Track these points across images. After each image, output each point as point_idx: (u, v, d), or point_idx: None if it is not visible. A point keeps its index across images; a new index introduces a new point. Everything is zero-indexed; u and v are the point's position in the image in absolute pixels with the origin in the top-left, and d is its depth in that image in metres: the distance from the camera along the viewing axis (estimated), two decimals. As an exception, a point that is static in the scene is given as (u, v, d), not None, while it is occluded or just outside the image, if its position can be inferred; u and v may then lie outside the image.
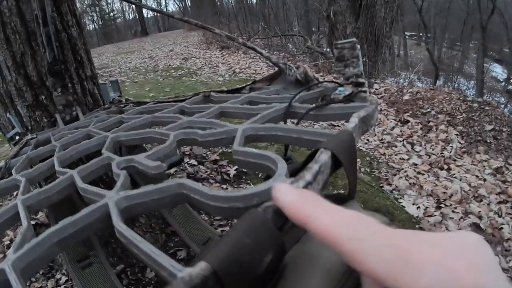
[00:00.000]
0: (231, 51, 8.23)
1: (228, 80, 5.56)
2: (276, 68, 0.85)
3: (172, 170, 2.22)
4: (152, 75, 6.34)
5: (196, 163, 2.39)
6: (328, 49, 7.47)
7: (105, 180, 1.37)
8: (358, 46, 0.70)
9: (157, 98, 4.56)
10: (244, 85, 0.89)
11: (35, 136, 1.02)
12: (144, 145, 1.29)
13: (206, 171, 2.30)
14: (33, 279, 1.36)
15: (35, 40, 1.17)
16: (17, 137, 1.04)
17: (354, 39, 0.69)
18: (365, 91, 0.68)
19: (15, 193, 1.29)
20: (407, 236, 0.19)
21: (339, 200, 0.44)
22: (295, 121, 0.64)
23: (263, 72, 6.00)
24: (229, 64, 6.99)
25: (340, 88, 0.68)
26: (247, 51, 7.84)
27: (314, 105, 0.61)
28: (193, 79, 5.76)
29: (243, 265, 0.24)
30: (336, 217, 0.21)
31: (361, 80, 0.70)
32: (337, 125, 3.36)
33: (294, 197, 0.24)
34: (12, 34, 1.15)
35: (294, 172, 0.41)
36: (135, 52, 9.69)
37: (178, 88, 5.06)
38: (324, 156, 0.37)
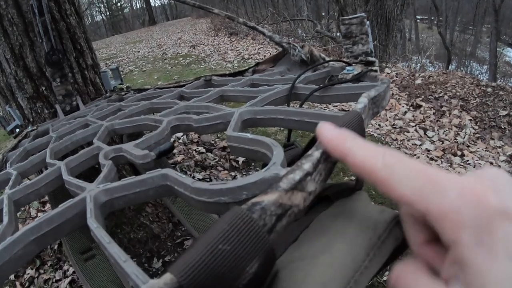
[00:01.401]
0: (240, 37, 8.14)
1: (237, 66, 5.50)
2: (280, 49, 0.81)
3: (179, 158, 2.20)
4: (161, 64, 6.30)
5: (204, 150, 2.37)
6: (338, 34, 7.33)
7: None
8: (367, 22, 0.65)
9: (164, 86, 4.58)
10: (247, 67, 0.85)
11: (35, 128, 1.00)
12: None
13: (215, 158, 2.28)
14: (41, 271, 1.37)
15: (32, 31, 1.14)
16: (17, 130, 1.02)
17: (363, 14, 0.64)
18: (375, 70, 0.64)
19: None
20: (433, 167, 0.20)
21: (347, 189, 0.40)
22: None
23: (271, 58, 5.93)
24: (238, 50, 6.91)
25: (348, 67, 0.63)
26: (256, 36, 7.74)
27: (319, 86, 0.57)
28: (201, 66, 5.72)
29: (218, 277, 0.20)
30: (371, 150, 0.22)
31: (371, 58, 0.65)
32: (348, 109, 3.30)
33: (336, 134, 0.25)
34: (9, 26, 1.13)
35: (295, 159, 0.37)
36: (143, 41, 9.65)
37: (186, 76, 5.02)
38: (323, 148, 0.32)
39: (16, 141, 0.90)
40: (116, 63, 6.71)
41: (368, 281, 0.32)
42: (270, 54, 6.24)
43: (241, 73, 0.85)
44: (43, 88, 1.19)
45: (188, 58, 6.53)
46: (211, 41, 8.24)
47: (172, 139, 2.31)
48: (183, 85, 0.92)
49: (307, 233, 0.35)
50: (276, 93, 0.57)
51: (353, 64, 0.65)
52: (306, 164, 0.27)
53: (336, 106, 3.38)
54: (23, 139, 0.93)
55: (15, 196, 0.47)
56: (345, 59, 0.68)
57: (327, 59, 0.73)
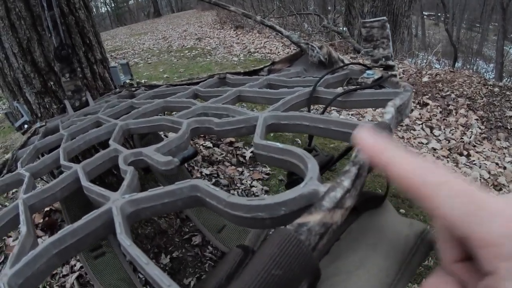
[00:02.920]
0: (246, 30, 8.09)
1: (243, 60, 5.46)
2: (297, 48, 0.80)
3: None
4: (166, 56, 6.27)
5: (211, 145, 2.35)
6: (344, 28, 7.27)
7: (114, 172, 1.35)
8: (388, 25, 0.64)
9: (171, 79, 4.55)
10: (262, 66, 0.84)
11: (44, 124, 0.99)
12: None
13: (222, 153, 2.27)
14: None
15: (40, 25, 1.13)
16: (25, 126, 1.01)
17: (384, 18, 0.63)
18: (395, 75, 0.63)
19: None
20: (479, 188, 0.20)
21: (374, 199, 0.40)
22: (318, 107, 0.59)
23: (278, 52, 5.88)
24: (244, 43, 6.86)
25: (368, 71, 0.63)
26: (262, 30, 7.69)
27: (341, 90, 0.56)
28: (207, 59, 5.69)
29: None
30: (413, 163, 0.21)
31: (390, 62, 0.65)
32: (359, 112, 3.28)
33: (376, 141, 0.24)
34: (17, 20, 1.11)
35: (321, 167, 0.37)
36: (148, 34, 9.60)
37: (192, 69, 5.00)
38: (363, 156, 0.31)
39: (25, 138, 0.89)
40: (121, 55, 6.69)
41: None
42: (276, 48, 6.20)
43: (256, 72, 0.84)
44: (52, 83, 1.18)
45: (193, 51, 6.50)
46: (216, 34, 8.20)
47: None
48: (196, 83, 0.90)
49: (339, 246, 0.35)
50: (298, 97, 0.56)
51: (373, 68, 0.64)
52: (346, 181, 0.27)
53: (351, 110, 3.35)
54: (32, 136, 0.92)
55: (30, 201, 0.46)
56: (362, 61, 0.67)
57: (345, 61, 0.72)
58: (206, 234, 1.21)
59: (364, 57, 0.66)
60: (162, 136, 1.36)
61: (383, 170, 0.23)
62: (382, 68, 0.65)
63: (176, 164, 0.42)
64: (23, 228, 0.39)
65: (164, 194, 0.34)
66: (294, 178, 0.47)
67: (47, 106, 1.20)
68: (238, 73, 0.85)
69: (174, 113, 0.67)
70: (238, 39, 7.43)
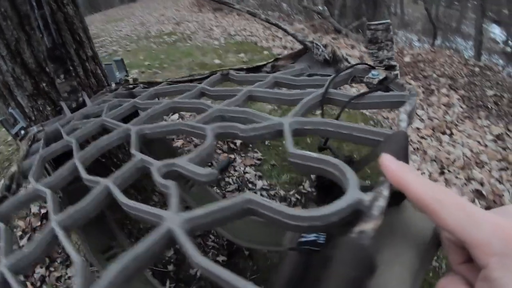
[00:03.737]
0: (225, 13, 7.96)
1: (224, 44, 5.39)
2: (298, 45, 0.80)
3: (179, 143, 2.18)
4: (145, 43, 6.12)
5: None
6: (323, 8, 7.25)
7: (116, 162, 1.34)
8: (392, 28, 0.66)
9: (153, 66, 4.46)
10: (265, 62, 0.84)
11: (41, 128, 0.96)
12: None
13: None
14: (52, 269, 1.36)
15: (28, 24, 1.08)
16: (22, 132, 0.98)
17: (388, 21, 0.65)
18: (396, 75, 0.65)
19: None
20: (472, 204, 0.26)
21: (398, 197, 0.43)
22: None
23: (259, 34, 5.82)
24: (224, 26, 6.76)
25: (373, 72, 0.65)
26: (241, 12, 7.58)
27: (347, 89, 0.58)
28: (188, 44, 5.59)
29: None
30: (425, 186, 0.27)
31: (393, 63, 0.67)
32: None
33: (398, 167, 0.30)
34: (3, 20, 1.06)
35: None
36: (125, 20, 9.28)
37: (173, 55, 4.91)
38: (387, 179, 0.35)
39: (26, 147, 0.87)
40: (98, 43, 6.48)
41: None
42: (257, 30, 6.15)
43: (259, 68, 0.84)
44: (44, 84, 1.14)
45: (173, 36, 6.36)
46: (195, 18, 8.03)
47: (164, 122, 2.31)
48: (198, 79, 0.90)
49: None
50: (312, 99, 0.58)
51: (377, 68, 0.66)
52: (385, 191, 0.32)
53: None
54: (33, 144, 0.90)
55: (66, 223, 0.45)
56: (366, 62, 0.69)
57: (349, 59, 0.73)
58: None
59: (370, 58, 0.68)
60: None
61: (402, 190, 0.29)
62: (385, 68, 0.67)
63: (216, 176, 0.43)
64: (76, 257, 0.39)
65: (220, 210, 0.36)
66: (324, 181, 0.50)
67: (41, 108, 1.16)
68: (241, 69, 0.85)
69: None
70: (217, 22, 7.31)
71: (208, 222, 0.36)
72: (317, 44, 0.74)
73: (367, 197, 0.32)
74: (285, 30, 0.79)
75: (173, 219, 0.35)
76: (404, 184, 0.29)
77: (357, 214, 0.32)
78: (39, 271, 1.40)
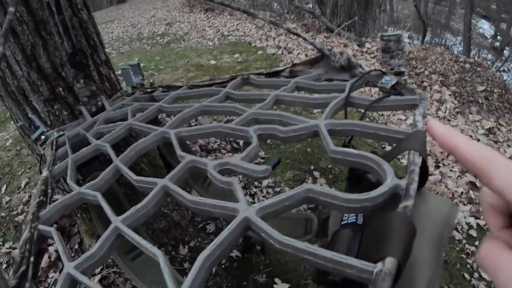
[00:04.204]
0: (216, 13, 7.96)
1: (218, 44, 5.42)
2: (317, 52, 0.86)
3: (194, 149, 2.23)
4: (138, 44, 6.13)
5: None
6: (312, 6, 7.30)
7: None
8: (403, 39, 0.73)
9: (148, 68, 4.47)
10: (283, 67, 0.89)
11: (61, 133, 0.98)
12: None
13: (216, 141, 2.33)
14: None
15: (44, 29, 1.10)
16: (42, 137, 1.01)
17: (399, 33, 0.72)
18: (406, 80, 0.72)
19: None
20: None
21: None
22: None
23: (252, 34, 5.85)
24: (216, 27, 6.77)
25: (386, 78, 0.71)
26: (233, 12, 7.58)
27: (375, 97, 0.65)
28: (181, 46, 5.60)
29: (408, 254, 0.32)
30: (474, 145, 0.27)
31: (402, 69, 0.74)
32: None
33: (445, 129, 0.30)
34: (18, 25, 1.07)
35: None
36: (115, 21, 9.25)
37: (168, 56, 4.93)
38: (417, 159, 0.43)
39: (53, 152, 0.90)
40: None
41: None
42: (250, 30, 6.16)
43: (277, 73, 0.89)
44: (60, 89, 1.17)
45: (166, 37, 6.37)
46: (186, 18, 8.03)
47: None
48: (217, 83, 0.94)
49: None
50: (337, 103, 0.64)
51: (388, 73, 0.73)
52: (416, 177, 0.40)
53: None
54: (59, 148, 0.93)
55: (127, 221, 0.50)
56: (378, 68, 0.75)
57: (363, 66, 0.79)
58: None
59: (382, 66, 0.75)
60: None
61: (451, 151, 0.30)
62: (395, 74, 0.74)
63: (270, 172, 0.49)
64: (156, 251, 0.44)
65: (286, 199, 0.42)
66: (356, 173, 0.56)
67: (57, 113, 1.18)
68: (261, 74, 0.90)
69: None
70: (209, 22, 7.32)
71: (275, 210, 0.42)
72: (334, 52, 0.80)
73: (403, 182, 0.39)
74: (304, 39, 0.85)
75: (247, 210, 0.41)
76: (454, 144, 0.29)
77: (394, 197, 0.39)
78: (52, 275, 1.43)
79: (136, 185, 0.58)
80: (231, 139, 2.35)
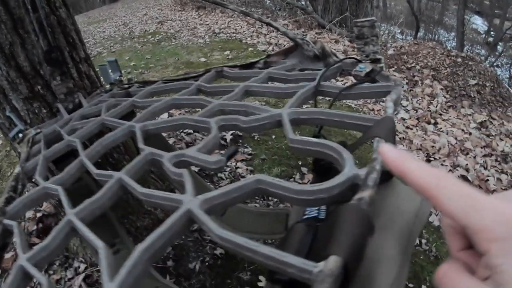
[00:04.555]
0: (208, 11, 7.93)
1: (209, 42, 5.40)
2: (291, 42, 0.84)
3: (170, 141, 2.20)
4: (129, 43, 6.09)
5: (192, 131, 2.38)
6: (305, 3, 7.30)
7: (111, 162, 1.36)
8: (377, 25, 0.71)
9: (138, 66, 4.44)
10: (257, 59, 0.88)
11: (39, 130, 0.98)
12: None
13: (203, 138, 2.30)
14: (50, 272, 1.37)
15: (22, 28, 1.08)
16: (20, 135, 1.00)
17: (373, 18, 0.70)
18: (382, 67, 0.70)
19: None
20: (473, 189, 0.25)
21: (388, 174, 0.48)
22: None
23: (243, 31, 5.84)
24: (208, 24, 6.75)
25: (360, 65, 0.69)
26: (225, 10, 7.57)
27: (345, 85, 0.63)
28: (172, 44, 5.58)
29: (359, 252, 0.29)
30: (425, 171, 0.27)
31: (378, 56, 0.72)
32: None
33: (397, 155, 0.30)
34: None
35: None
36: (107, 20, 9.20)
37: (158, 55, 4.91)
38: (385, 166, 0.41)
39: (27, 149, 0.89)
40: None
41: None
42: (241, 27, 6.15)
43: (252, 64, 0.88)
44: (39, 87, 1.15)
45: (157, 35, 6.34)
46: (178, 16, 8.00)
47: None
48: (193, 77, 0.93)
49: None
50: (306, 91, 0.62)
51: (363, 61, 0.71)
52: (377, 165, 0.36)
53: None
54: (33, 146, 0.92)
55: (81, 214, 0.49)
56: (354, 56, 0.74)
57: (337, 54, 0.78)
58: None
59: (357, 52, 0.73)
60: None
61: (402, 177, 0.29)
62: (371, 61, 0.72)
63: (224, 163, 0.47)
64: (97, 242, 0.42)
65: (234, 190, 0.40)
66: (321, 164, 0.54)
67: (36, 111, 1.17)
68: (235, 66, 0.89)
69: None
70: (201, 20, 7.30)
71: (222, 201, 0.39)
72: (307, 41, 0.78)
73: (362, 171, 0.37)
74: (276, 28, 0.83)
75: (191, 201, 0.39)
76: (404, 171, 0.29)
77: (354, 188, 0.36)
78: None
79: (97, 178, 0.57)
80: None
